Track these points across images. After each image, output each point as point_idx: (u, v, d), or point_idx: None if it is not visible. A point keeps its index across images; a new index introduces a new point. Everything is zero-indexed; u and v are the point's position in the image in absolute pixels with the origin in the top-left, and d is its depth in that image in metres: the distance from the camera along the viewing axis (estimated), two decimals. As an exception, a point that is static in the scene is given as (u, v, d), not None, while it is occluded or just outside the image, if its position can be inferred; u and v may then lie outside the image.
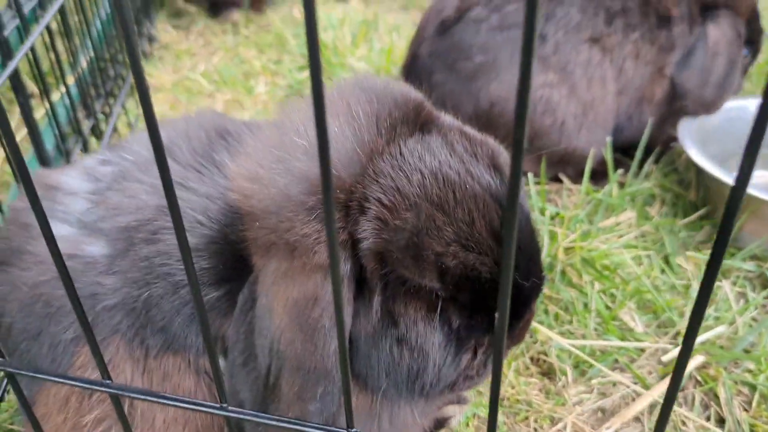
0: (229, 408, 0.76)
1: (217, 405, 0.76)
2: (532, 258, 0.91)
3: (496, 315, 0.55)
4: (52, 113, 1.78)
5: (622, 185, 2.05)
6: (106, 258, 0.95)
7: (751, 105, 2.09)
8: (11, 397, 1.39)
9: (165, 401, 0.77)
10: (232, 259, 0.92)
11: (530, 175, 1.97)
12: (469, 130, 0.95)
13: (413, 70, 2.04)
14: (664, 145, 2.12)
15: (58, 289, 0.93)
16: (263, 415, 0.76)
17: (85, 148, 2.00)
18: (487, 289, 0.86)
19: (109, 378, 0.77)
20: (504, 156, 0.94)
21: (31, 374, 0.80)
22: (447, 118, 0.95)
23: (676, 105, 2.04)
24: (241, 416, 0.76)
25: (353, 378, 0.92)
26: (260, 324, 0.86)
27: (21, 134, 1.95)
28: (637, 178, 2.05)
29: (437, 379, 0.91)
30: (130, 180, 1.00)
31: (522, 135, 0.44)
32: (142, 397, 0.77)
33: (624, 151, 2.14)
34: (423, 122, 0.90)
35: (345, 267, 0.84)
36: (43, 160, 1.72)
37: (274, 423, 0.76)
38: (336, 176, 0.82)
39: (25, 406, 0.88)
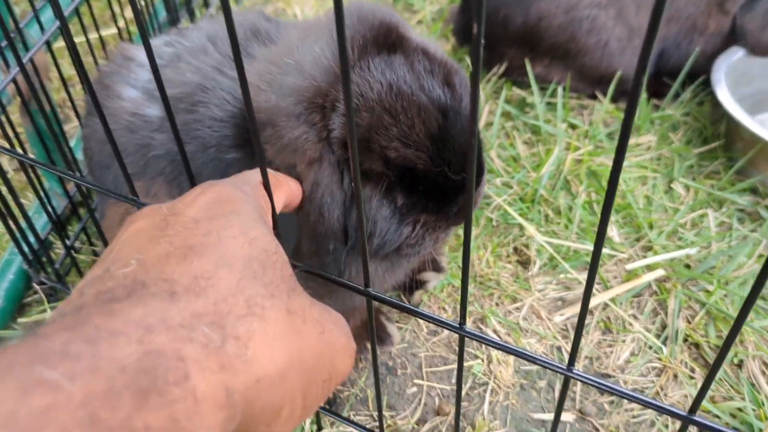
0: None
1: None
2: (466, 157, 1.16)
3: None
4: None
5: (657, 108, 2.17)
6: (158, 119, 1.28)
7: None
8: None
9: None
10: (247, 130, 1.22)
11: (559, 87, 2.13)
12: (434, 52, 1.18)
13: (475, -24, 2.20)
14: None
15: (121, 137, 1.28)
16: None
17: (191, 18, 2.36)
18: (421, 178, 1.13)
19: (136, 196, 1.11)
20: (460, 75, 1.17)
21: (90, 185, 1.17)
22: (416, 41, 1.17)
23: (731, 41, 2.10)
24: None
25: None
26: None
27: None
28: (673, 104, 2.16)
29: (383, 242, 1.20)
30: (182, 61, 1.31)
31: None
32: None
33: (672, 76, 2.23)
34: (391, 44, 1.14)
35: (332, 156, 1.11)
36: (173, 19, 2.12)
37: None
38: (316, 86, 1.09)
39: (91, 214, 1.26)
